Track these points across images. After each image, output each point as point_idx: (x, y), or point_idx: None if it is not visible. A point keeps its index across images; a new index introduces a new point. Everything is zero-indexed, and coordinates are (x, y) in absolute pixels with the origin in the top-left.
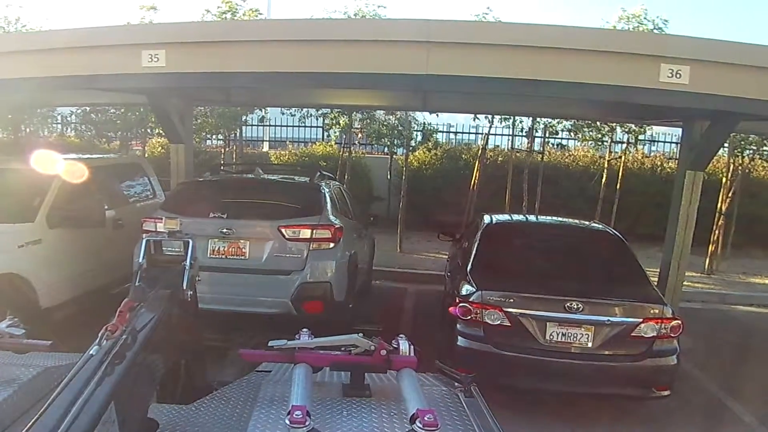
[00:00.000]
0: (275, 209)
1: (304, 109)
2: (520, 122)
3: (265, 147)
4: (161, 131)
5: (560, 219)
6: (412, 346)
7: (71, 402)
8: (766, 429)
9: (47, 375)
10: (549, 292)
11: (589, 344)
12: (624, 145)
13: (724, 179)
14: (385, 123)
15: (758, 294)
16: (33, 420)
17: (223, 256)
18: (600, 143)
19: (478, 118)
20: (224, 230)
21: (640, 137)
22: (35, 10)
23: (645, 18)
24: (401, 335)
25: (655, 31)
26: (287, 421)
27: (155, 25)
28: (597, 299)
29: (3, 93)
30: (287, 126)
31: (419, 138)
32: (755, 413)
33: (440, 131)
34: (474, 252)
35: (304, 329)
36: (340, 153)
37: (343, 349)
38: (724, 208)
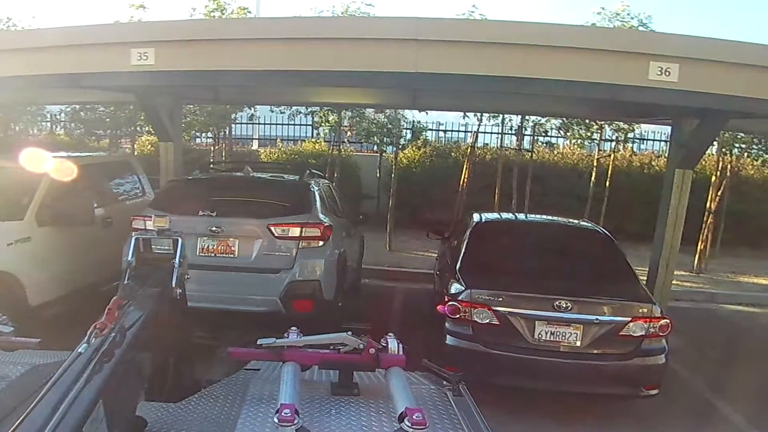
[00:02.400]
0: (264, 207)
1: (294, 107)
2: (510, 120)
3: (255, 145)
4: (150, 129)
5: (549, 217)
6: (400, 345)
7: (59, 400)
8: (754, 428)
9: (35, 373)
10: (538, 291)
11: (578, 343)
12: (613, 144)
13: (713, 177)
14: (374, 121)
15: (746, 293)
16: (21, 418)
17: (213, 255)
18: (589, 141)
19: (467, 116)
20: (213, 228)
21: (629, 135)
22: (23, 8)
23: (628, 14)
24: (390, 334)
25: (641, 28)
26: (276, 420)
27: (144, 23)
28: (586, 298)
29: None
30: (276, 124)
31: (408, 136)
32: (743, 412)
33: (429, 129)
34: (463, 250)
35: (293, 327)
36: (330, 151)
37: (331, 347)
38: (713, 207)
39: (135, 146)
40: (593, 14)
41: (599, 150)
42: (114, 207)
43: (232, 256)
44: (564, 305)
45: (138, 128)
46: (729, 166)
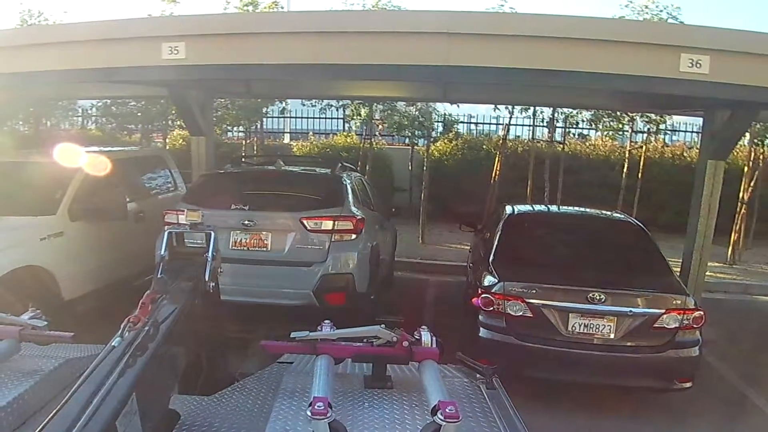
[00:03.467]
0: (297, 201)
1: (325, 101)
2: (541, 112)
3: (286, 138)
4: (182, 123)
5: (582, 209)
6: (434, 338)
7: (93, 393)
8: None
9: (69, 366)
10: (571, 283)
11: (612, 335)
12: (645, 135)
13: (745, 168)
14: (405, 114)
15: None
16: (55, 410)
17: (245, 248)
18: (620, 133)
19: (498, 109)
20: (246, 222)
21: (661, 127)
22: (54, 3)
23: (656, 6)
24: (423, 327)
25: (671, 20)
26: (309, 413)
27: (175, 17)
28: (619, 290)
29: (24, 86)
30: (308, 117)
31: (440, 129)
32: None
33: (461, 122)
34: (496, 243)
35: (326, 321)
36: (362, 144)
37: (365, 340)
38: (745, 197)
39: (167, 140)
40: (621, 7)
41: (631, 141)
42: (146, 201)
43: (265, 249)
44: (598, 297)
45: (170, 122)
46: (762, 157)
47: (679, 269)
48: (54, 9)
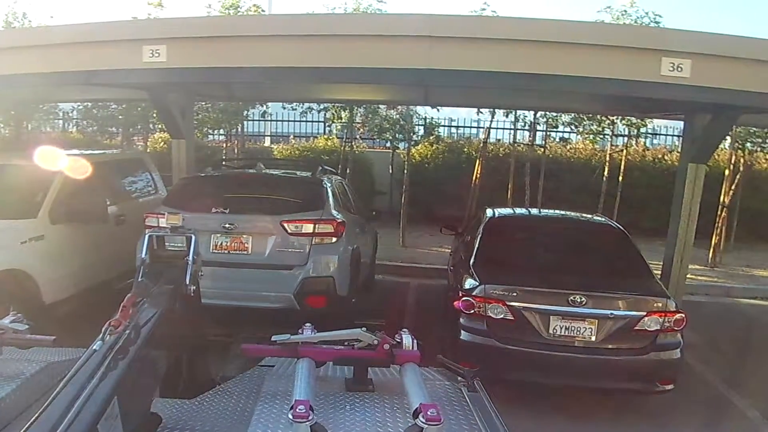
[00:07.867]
0: (277, 204)
1: (306, 104)
2: (524, 117)
3: (267, 142)
4: (163, 126)
5: (563, 212)
6: (415, 341)
7: (74, 397)
8: None
9: (51, 370)
10: (552, 286)
11: (593, 338)
12: (625, 138)
13: (726, 172)
14: (386, 117)
15: (762, 287)
16: (36, 414)
17: (226, 251)
18: (601, 136)
19: (481, 112)
20: (227, 225)
21: (641, 130)
22: (39, 7)
23: (636, 11)
24: (404, 330)
25: (652, 25)
26: (290, 416)
27: (156, 20)
28: (600, 293)
29: (5, 88)
30: (289, 120)
31: (421, 132)
32: (759, 407)
33: (442, 125)
34: (477, 246)
35: (307, 324)
36: (342, 147)
37: (346, 343)
38: (726, 201)
39: (147, 143)
40: (597, 12)
41: (612, 145)
42: (127, 204)
43: (245, 252)
44: (578, 300)
45: (151, 125)
46: (742, 161)
47: (660, 272)
48: (40, 12)
